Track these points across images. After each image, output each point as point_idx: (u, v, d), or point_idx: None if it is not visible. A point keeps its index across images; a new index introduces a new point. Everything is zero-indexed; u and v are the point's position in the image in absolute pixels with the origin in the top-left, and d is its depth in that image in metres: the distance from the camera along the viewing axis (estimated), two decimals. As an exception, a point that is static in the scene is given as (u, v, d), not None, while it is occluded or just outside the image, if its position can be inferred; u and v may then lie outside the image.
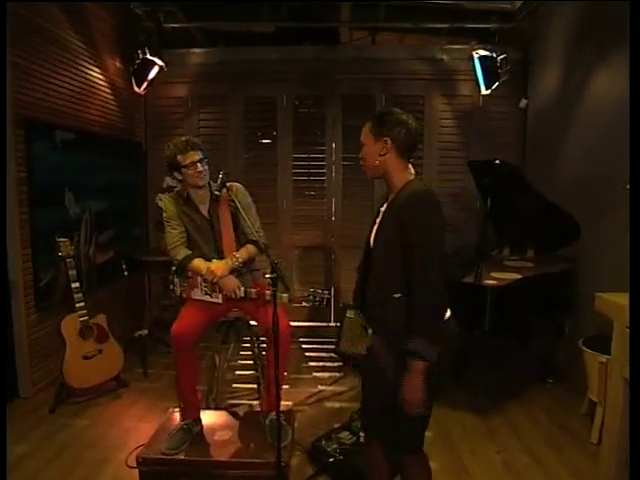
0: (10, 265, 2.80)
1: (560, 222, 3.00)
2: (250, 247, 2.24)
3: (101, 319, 3.00)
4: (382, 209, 1.53)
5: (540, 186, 3.09)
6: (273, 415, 2.09)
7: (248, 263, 2.29)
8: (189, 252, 2.26)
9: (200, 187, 2.20)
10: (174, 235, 2.25)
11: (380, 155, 1.48)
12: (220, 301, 2.27)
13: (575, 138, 3.29)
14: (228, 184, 2.20)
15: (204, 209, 2.24)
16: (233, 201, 2.10)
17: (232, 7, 3.88)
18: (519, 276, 2.76)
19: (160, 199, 3.96)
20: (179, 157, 2.12)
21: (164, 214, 2.28)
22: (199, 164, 2.14)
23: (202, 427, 2.27)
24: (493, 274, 2.83)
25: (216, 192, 2.16)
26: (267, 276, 1.74)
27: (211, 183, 2.25)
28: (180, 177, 2.18)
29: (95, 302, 3.40)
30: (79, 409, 2.78)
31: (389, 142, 1.46)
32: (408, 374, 1.38)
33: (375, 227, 1.54)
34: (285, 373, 2.34)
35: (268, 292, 1.86)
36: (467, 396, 2.96)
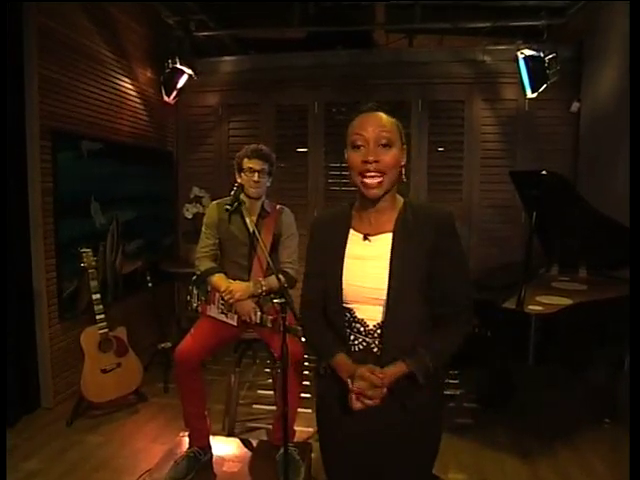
0: (34, 275, 2.79)
1: (617, 239, 2.63)
2: (281, 278, 2.05)
3: (121, 332, 2.94)
4: (371, 238, 1.20)
5: (595, 199, 2.74)
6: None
7: (271, 293, 2.12)
8: (214, 265, 2.21)
9: (253, 197, 2.18)
10: (205, 245, 2.23)
11: (401, 166, 1.18)
12: (235, 323, 2.15)
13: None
14: (278, 207, 2.26)
15: (250, 222, 2.14)
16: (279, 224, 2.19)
17: (263, 13, 3.80)
18: (570, 302, 2.42)
19: (187, 209, 4.01)
20: (245, 160, 2.16)
21: (204, 219, 2.27)
22: (257, 174, 2.13)
23: (212, 456, 2.13)
24: (539, 298, 2.51)
25: (266, 209, 2.22)
26: (275, 301, 1.58)
27: (265, 201, 2.25)
28: (240, 180, 2.18)
29: (120, 313, 3.38)
30: (95, 424, 2.73)
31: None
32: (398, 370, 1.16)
33: (362, 261, 1.20)
34: (297, 404, 2.15)
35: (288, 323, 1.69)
36: (510, 435, 2.61)
